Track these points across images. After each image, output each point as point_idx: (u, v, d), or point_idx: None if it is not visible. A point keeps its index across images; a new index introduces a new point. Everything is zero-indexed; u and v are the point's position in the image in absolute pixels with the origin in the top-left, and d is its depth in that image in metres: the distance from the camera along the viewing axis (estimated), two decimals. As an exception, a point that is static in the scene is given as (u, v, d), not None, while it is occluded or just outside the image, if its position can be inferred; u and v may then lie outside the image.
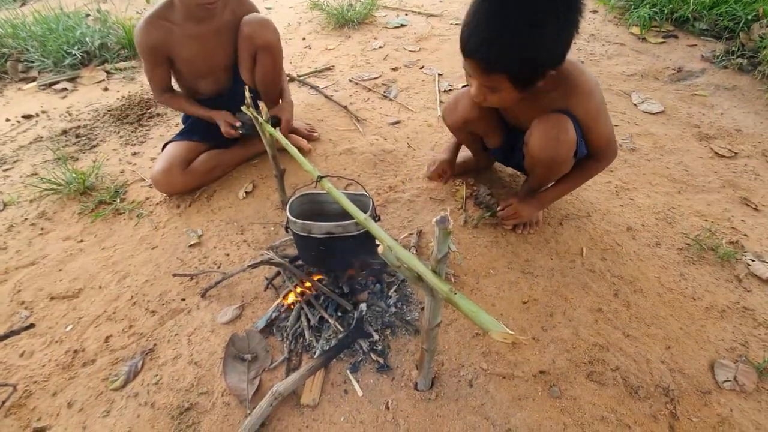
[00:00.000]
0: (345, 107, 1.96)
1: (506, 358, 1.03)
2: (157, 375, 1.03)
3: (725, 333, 1.08)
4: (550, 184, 1.28)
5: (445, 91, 2.09)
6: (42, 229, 1.46)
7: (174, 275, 1.26)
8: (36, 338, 1.13)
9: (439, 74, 2.21)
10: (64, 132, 1.95)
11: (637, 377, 0.99)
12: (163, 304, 1.20)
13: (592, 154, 1.16)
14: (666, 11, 2.55)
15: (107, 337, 1.12)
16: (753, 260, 1.24)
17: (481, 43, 0.90)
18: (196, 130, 1.57)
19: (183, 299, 1.21)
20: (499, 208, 1.33)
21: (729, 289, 1.18)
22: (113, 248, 1.38)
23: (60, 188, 1.56)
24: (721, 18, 2.42)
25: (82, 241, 1.41)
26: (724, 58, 2.20)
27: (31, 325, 1.01)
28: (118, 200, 1.54)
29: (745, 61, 2.16)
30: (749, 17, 2.29)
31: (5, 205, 1.56)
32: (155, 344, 1.10)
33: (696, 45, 2.37)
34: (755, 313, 1.12)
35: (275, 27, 1.47)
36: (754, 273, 1.21)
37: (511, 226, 1.33)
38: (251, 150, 1.67)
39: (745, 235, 1.33)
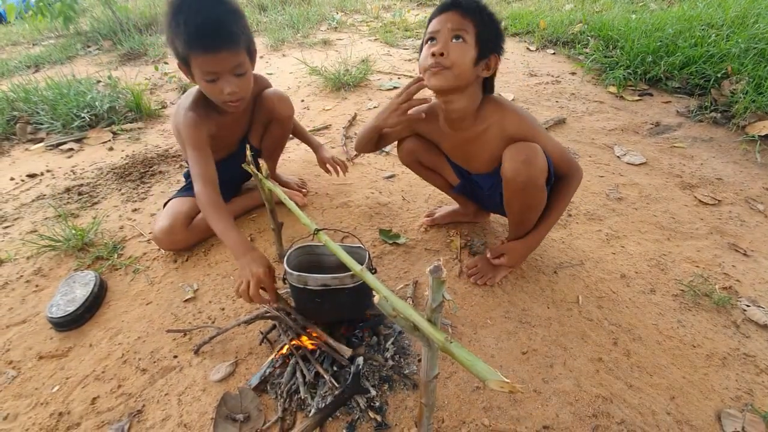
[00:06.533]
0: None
1: (509, 413, 1.00)
2: (144, 439, 0.99)
3: (729, 381, 1.06)
4: (527, 226, 1.29)
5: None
6: (36, 286, 1.45)
7: (167, 331, 1.24)
8: (21, 400, 1.09)
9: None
10: (67, 190, 1.99)
11: (644, 431, 0.96)
12: (155, 362, 1.17)
13: (556, 174, 1.21)
14: (639, 72, 2.75)
15: (94, 399, 1.08)
16: (748, 305, 1.25)
17: None
18: None
19: (175, 356, 1.18)
20: (470, 269, 1.38)
21: (728, 336, 1.17)
22: (107, 304, 1.36)
23: (58, 245, 1.57)
24: (692, 77, 2.60)
25: (76, 297, 1.39)
26: (698, 112, 2.34)
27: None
28: (116, 256, 1.55)
29: (719, 114, 2.29)
30: (719, 75, 2.47)
31: (1, 262, 1.56)
32: (144, 405, 1.06)
33: (670, 102, 2.53)
34: (756, 359, 1.11)
35: (291, 102, 1.63)
36: (750, 318, 1.21)
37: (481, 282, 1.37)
38: (250, 203, 1.73)
39: (737, 280, 1.35)
